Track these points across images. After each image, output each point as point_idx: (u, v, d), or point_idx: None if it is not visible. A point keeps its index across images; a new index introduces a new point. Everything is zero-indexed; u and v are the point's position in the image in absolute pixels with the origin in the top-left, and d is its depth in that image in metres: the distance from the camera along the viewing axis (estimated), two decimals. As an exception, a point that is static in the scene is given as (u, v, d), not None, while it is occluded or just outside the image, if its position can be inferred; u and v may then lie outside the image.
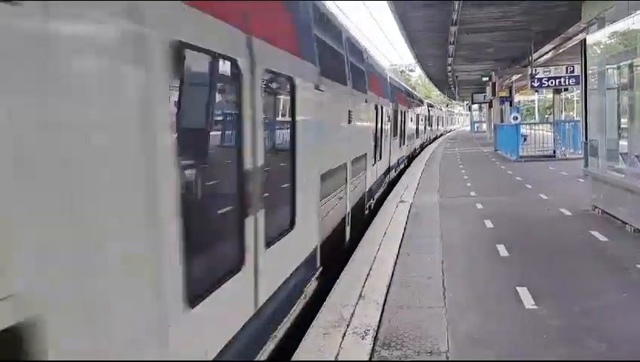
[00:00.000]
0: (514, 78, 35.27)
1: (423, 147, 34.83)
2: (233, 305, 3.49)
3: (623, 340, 4.78)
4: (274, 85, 4.76)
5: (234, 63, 3.43)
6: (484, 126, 59.28)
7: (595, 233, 8.61)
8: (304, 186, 5.28)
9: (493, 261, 7.48)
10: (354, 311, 5.54)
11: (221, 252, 3.51)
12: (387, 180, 15.43)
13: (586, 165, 11.28)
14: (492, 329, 5.17)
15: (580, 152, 18.57)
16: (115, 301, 2.16)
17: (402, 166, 20.99)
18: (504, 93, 34.40)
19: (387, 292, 6.14)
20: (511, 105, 33.52)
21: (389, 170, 15.81)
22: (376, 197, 12.28)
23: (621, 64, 9.76)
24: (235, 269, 3.46)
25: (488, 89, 37.08)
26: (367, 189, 10.56)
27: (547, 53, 26.32)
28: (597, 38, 10.74)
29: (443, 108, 73.97)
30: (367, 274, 6.84)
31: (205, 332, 2.93)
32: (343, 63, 8.09)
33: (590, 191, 10.88)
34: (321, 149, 6.18)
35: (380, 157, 12.97)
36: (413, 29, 20.17)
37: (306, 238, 5.59)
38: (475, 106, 65.48)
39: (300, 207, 5.13)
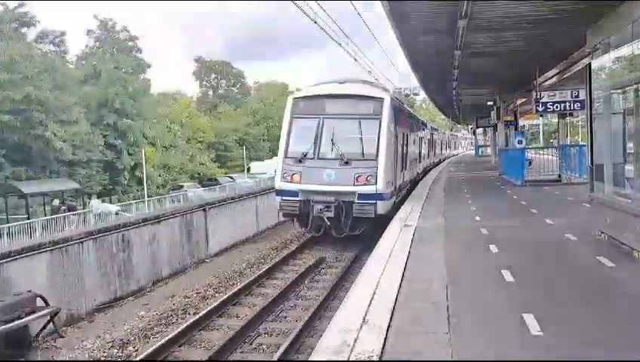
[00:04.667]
0: (519, 102, 35.32)
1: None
2: None
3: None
4: None
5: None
6: (489, 150, 59.23)
7: (602, 259, 8.51)
8: None
9: (499, 286, 7.39)
10: (357, 336, 5.46)
11: None
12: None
13: (592, 190, 11.21)
14: (497, 355, 5.07)
15: (585, 177, 18.47)
16: None
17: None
18: (509, 118, 34.43)
19: (391, 317, 6.06)
20: (516, 129, 33.53)
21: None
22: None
23: (626, 88, 9.77)
24: None
25: (493, 113, 37.11)
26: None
27: (552, 77, 26.39)
28: (602, 62, 10.78)
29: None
30: (371, 299, 6.76)
31: None
32: None
33: (596, 216, 10.80)
34: None
35: None
36: (418, 53, 20.33)
37: None
38: (480, 130, 65.57)
39: None
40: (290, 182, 15.87)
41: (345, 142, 15.94)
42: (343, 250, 16.65)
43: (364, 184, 15.34)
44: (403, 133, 19.46)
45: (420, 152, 27.85)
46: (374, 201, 15.38)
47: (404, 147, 19.95)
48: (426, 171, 33.01)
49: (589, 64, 11.47)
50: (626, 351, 5.05)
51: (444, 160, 55.72)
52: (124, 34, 46.37)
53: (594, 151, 11.16)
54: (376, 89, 18.74)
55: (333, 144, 15.74)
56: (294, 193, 15.84)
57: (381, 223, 14.24)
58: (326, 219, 15.62)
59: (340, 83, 17.76)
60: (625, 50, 9.44)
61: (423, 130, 31.51)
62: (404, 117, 20.58)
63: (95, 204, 27.31)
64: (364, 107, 16.32)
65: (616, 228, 9.66)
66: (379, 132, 15.77)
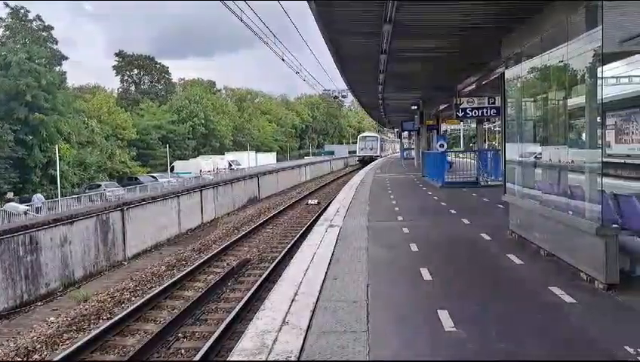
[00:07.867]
0: (441, 107, 36.72)
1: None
2: None
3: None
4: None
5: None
6: (414, 153, 61.25)
7: (512, 256, 8.95)
8: None
9: (417, 284, 7.57)
10: (276, 337, 5.38)
11: None
12: None
13: (505, 192, 11.79)
14: (412, 353, 5.17)
15: (500, 179, 19.47)
16: None
17: None
18: (431, 122, 35.67)
19: (311, 317, 6.03)
20: (438, 133, 34.82)
21: None
22: None
23: (537, 97, 10.35)
24: None
25: (417, 117, 38.37)
26: None
27: (472, 84, 27.62)
28: (514, 72, 11.36)
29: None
30: (292, 299, 6.70)
31: None
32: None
33: (508, 216, 11.37)
34: None
35: None
36: (345, 56, 20.56)
37: None
38: (406, 134, 67.65)
39: None
40: (359, 153, 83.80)
41: (371, 145, 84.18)
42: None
43: (375, 153, 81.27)
44: (382, 145, 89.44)
45: (383, 148, 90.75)
46: (377, 156, 78.76)
47: (382, 147, 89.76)
48: (381, 156, 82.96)
49: (503, 73, 12.06)
50: (535, 339, 5.31)
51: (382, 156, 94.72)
52: (37, 23, 43.57)
53: (507, 155, 11.75)
54: (377, 133, 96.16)
55: (368, 145, 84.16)
56: (362, 156, 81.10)
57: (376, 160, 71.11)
58: (368, 160, 72.22)
59: (370, 132, 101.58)
60: (535, 61, 9.99)
61: (384, 141, 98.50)
62: (382, 140, 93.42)
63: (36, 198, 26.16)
64: (374, 137, 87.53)
65: (525, 228, 10.22)
66: (378, 143, 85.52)
